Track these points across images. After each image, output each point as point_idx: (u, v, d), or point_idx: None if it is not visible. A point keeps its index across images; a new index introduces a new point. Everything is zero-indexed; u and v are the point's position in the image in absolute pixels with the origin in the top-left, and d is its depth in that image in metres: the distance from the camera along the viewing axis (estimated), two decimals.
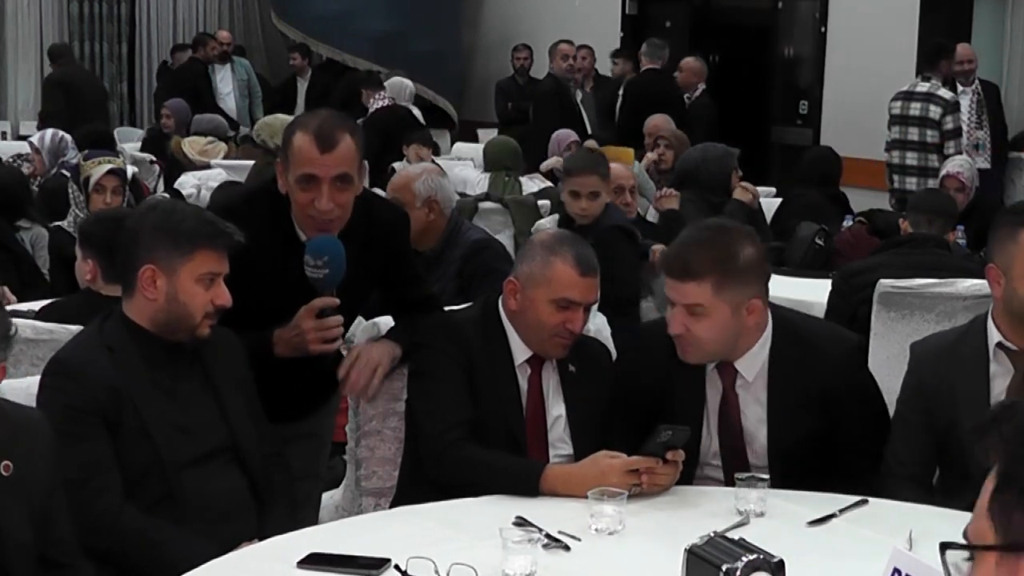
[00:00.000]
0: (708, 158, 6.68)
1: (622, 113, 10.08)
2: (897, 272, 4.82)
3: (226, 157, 9.19)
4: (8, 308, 4.27)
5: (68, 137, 7.37)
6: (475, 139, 11.50)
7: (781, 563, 2.30)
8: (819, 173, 7.15)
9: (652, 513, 2.87)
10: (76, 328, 3.33)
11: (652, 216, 6.63)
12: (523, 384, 3.28)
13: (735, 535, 2.46)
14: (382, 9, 12.96)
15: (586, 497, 2.77)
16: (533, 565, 2.50)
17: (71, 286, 4.47)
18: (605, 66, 11.51)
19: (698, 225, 3.33)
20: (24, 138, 10.11)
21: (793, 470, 3.09)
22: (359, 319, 3.72)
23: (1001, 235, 3.10)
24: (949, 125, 8.02)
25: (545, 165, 8.64)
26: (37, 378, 2.93)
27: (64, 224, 5.51)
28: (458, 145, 11.18)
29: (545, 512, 2.81)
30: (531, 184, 7.92)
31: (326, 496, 3.78)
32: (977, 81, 8.81)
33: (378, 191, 4.98)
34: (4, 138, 12.38)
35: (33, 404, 2.82)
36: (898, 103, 8.22)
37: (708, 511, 2.87)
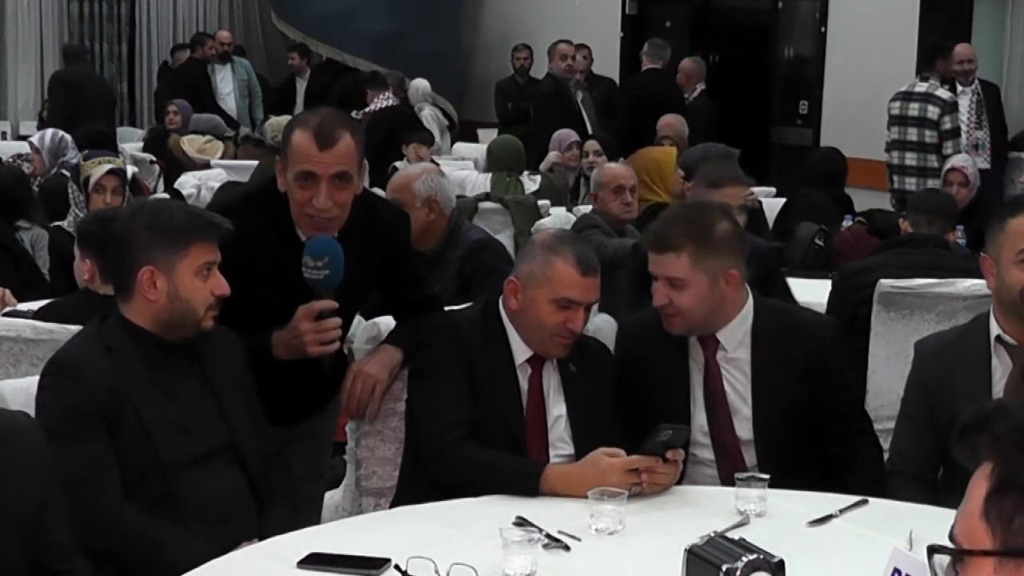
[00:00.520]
0: (708, 158, 6.68)
1: (621, 113, 10.08)
2: (897, 272, 4.82)
3: (224, 156, 9.20)
4: (8, 309, 4.29)
5: (68, 137, 7.37)
6: (475, 139, 11.49)
7: (781, 563, 2.30)
8: (825, 174, 7.16)
9: (652, 513, 2.87)
10: (76, 328, 3.32)
11: None
12: (523, 384, 3.27)
13: (735, 535, 2.46)
14: (382, 9, 12.95)
15: (586, 497, 2.77)
16: (533, 565, 2.50)
17: (71, 286, 4.46)
18: (605, 66, 11.49)
19: (678, 204, 3.49)
20: (24, 138, 10.11)
21: (778, 442, 3.24)
22: (359, 319, 3.72)
23: (993, 227, 3.19)
24: (947, 125, 8.02)
25: (545, 164, 8.64)
26: (37, 378, 2.92)
27: (64, 224, 5.51)
28: (458, 145, 11.17)
29: (545, 512, 2.81)
30: (531, 184, 7.92)
31: (326, 496, 3.78)
32: (977, 81, 8.80)
33: (378, 191, 4.98)
34: (4, 138, 12.38)
35: (33, 404, 2.82)
36: (897, 103, 8.23)
37: (708, 511, 2.87)
